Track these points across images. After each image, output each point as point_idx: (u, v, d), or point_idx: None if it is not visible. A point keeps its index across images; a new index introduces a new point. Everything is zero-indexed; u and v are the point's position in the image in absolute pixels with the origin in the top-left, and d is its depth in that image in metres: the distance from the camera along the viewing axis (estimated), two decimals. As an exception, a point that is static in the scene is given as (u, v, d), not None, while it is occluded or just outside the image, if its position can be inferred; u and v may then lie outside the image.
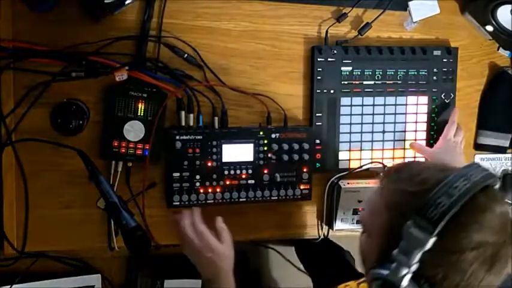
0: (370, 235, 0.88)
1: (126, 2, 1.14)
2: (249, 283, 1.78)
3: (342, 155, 1.34)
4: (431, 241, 0.74)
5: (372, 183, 1.31)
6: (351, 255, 1.64)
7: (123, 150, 1.18)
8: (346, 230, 1.35)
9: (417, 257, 0.75)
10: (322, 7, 1.31)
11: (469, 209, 0.75)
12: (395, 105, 1.36)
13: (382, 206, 0.84)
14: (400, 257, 0.76)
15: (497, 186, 0.81)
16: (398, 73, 1.35)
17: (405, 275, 0.75)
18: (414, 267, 0.75)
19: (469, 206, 0.75)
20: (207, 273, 1.11)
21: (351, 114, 1.33)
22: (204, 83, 1.24)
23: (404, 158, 1.37)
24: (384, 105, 1.35)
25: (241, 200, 1.25)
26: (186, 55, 1.22)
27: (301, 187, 1.28)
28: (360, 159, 1.35)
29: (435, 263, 0.76)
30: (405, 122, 1.37)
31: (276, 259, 2.10)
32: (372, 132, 1.35)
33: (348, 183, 1.31)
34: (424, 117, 1.38)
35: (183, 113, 1.22)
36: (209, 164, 1.22)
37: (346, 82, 1.32)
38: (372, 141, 1.35)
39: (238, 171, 1.24)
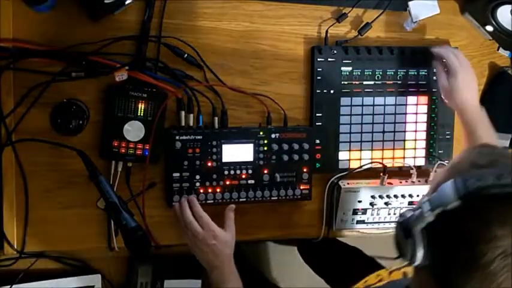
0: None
1: (126, 2, 1.14)
2: (249, 283, 1.78)
3: (342, 155, 1.34)
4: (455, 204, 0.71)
5: (372, 183, 1.32)
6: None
7: (123, 150, 1.18)
8: (346, 230, 1.35)
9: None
10: (322, 7, 1.31)
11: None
12: (395, 105, 1.36)
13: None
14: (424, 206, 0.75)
15: None
16: (398, 73, 1.35)
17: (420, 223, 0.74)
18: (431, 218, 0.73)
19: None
20: (210, 261, 1.11)
21: (351, 114, 1.33)
22: (204, 83, 1.24)
23: (404, 158, 1.37)
24: (384, 105, 1.35)
25: (241, 200, 1.25)
26: (186, 55, 1.22)
27: (301, 187, 1.28)
28: (360, 159, 1.35)
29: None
30: (405, 122, 1.37)
31: (276, 259, 2.11)
32: (372, 132, 1.35)
33: (348, 183, 1.31)
34: (424, 117, 1.38)
35: (183, 113, 1.22)
36: (209, 164, 1.22)
37: (346, 82, 1.32)
38: (372, 141, 1.35)
39: (238, 171, 1.24)
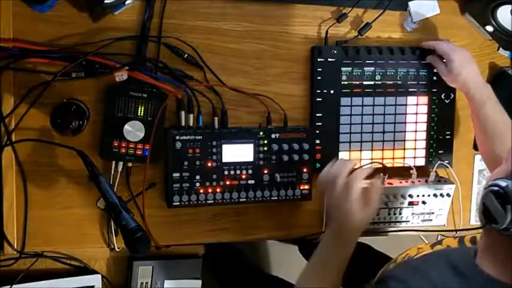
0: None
1: (126, 2, 1.14)
2: (249, 281, 1.79)
3: (342, 155, 1.34)
4: None
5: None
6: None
7: (123, 150, 1.18)
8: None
9: None
10: (322, 7, 1.31)
11: None
12: (396, 105, 1.36)
13: None
14: None
15: None
16: (398, 73, 1.35)
17: None
18: None
19: None
20: (336, 221, 1.08)
21: (351, 114, 1.33)
22: (204, 83, 1.24)
23: (404, 158, 1.37)
24: (384, 105, 1.35)
25: (241, 200, 1.25)
26: (186, 55, 1.22)
27: (301, 187, 1.28)
28: (360, 159, 1.35)
29: None
30: (405, 122, 1.37)
31: (276, 258, 2.11)
32: (372, 132, 1.35)
33: (348, 183, 1.31)
34: (424, 118, 1.38)
35: (183, 113, 1.22)
36: (209, 164, 1.22)
37: (346, 82, 1.32)
38: (372, 141, 1.35)
39: (238, 172, 1.24)
